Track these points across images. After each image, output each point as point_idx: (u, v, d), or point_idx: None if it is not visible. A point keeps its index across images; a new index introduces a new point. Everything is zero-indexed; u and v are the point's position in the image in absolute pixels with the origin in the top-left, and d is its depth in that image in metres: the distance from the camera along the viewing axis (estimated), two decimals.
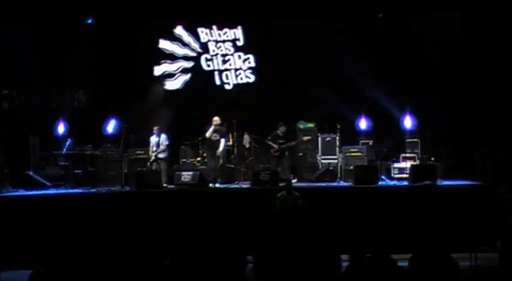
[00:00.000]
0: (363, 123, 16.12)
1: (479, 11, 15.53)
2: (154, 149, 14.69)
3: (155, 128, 14.93)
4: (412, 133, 15.66)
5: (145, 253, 8.30)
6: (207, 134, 14.42)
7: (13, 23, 15.86)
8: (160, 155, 14.64)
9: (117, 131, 15.67)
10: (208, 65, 17.14)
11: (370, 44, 16.46)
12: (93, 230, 12.11)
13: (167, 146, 14.75)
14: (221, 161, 14.50)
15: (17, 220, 12.47)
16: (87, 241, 11.78)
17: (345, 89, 16.33)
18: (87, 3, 16.04)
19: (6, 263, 11.25)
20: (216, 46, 17.11)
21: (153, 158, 14.60)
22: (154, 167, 14.52)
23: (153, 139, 14.80)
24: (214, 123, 14.40)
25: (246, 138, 15.53)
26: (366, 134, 16.02)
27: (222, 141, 14.42)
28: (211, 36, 17.13)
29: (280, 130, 14.80)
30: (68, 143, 15.18)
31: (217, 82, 17.11)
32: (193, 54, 17.14)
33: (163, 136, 14.81)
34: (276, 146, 14.61)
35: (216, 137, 14.37)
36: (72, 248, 11.58)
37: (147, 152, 14.84)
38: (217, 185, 14.03)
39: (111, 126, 15.99)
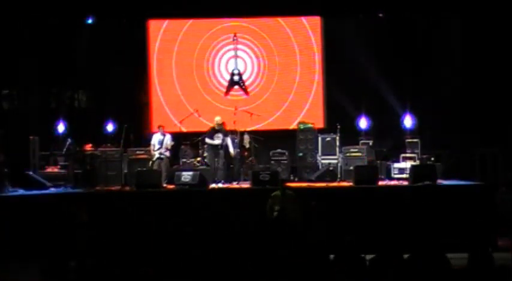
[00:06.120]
0: (363, 123, 16.13)
1: (479, 12, 15.55)
2: (157, 147, 14.69)
3: (160, 127, 14.96)
4: (412, 133, 15.66)
5: (145, 253, 8.29)
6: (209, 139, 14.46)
7: (13, 23, 15.86)
8: (166, 154, 14.65)
9: (117, 133, 15.68)
10: None
11: (370, 44, 16.47)
12: (93, 230, 12.09)
13: (172, 146, 14.79)
14: (221, 161, 14.45)
15: (17, 220, 12.46)
16: (86, 241, 11.76)
17: (344, 89, 16.34)
18: (87, 3, 16.05)
19: (6, 262, 11.25)
20: None
21: (156, 156, 14.60)
22: (156, 166, 14.51)
23: (157, 137, 14.80)
24: (216, 123, 14.44)
25: (246, 138, 15.52)
26: (366, 133, 16.03)
27: (229, 141, 14.43)
28: None
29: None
30: (68, 143, 15.19)
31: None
32: None
33: (168, 136, 14.82)
34: None
35: (218, 137, 14.37)
36: (72, 248, 11.56)
37: (147, 152, 14.85)
38: (219, 185, 14.05)
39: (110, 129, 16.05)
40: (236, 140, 14.83)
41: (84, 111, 17.31)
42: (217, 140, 14.33)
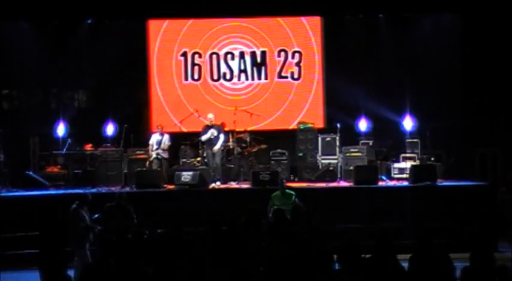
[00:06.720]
0: (362, 125, 16.12)
1: (479, 13, 15.56)
2: (155, 147, 14.69)
3: (158, 126, 14.96)
4: (412, 133, 15.66)
5: (145, 253, 8.29)
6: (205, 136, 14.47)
7: (13, 23, 15.87)
8: (163, 155, 14.65)
9: (117, 133, 15.68)
10: None
11: (370, 44, 16.49)
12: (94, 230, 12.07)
13: (169, 147, 14.79)
14: (218, 160, 14.45)
15: (17, 220, 12.46)
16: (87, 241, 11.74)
17: (344, 89, 16.34)
18: (88, 3, 16.05)
19: (6, 263, 11.25)
20: None
21: (154, 156, 14.60)
22: (155, 166, 14.51)
23: (155, 137, 14.80)
24: (210, 120, 14.46)
25: (246, 138, 15.51)
26: (366, 133, 16.04)
27: (221, 137, 14.44)
28: None
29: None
30: (68, 143, 15.20)
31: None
32: None
33: (166, 136, 14.83)
34: None
35: (214, 133, 14.38)
36: (72, 248, 11.54)
37: (146, 152, 14.85)
38: (217, 183, 14.04)
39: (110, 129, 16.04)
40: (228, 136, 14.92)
41: (84, 111, 17.31)
42: (210, 135, 14.36)
